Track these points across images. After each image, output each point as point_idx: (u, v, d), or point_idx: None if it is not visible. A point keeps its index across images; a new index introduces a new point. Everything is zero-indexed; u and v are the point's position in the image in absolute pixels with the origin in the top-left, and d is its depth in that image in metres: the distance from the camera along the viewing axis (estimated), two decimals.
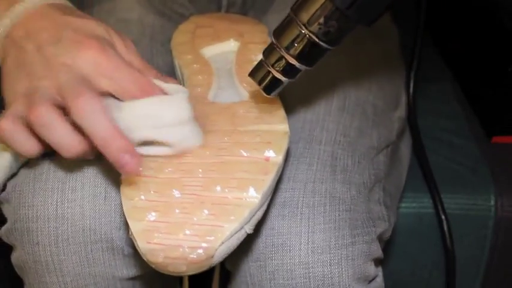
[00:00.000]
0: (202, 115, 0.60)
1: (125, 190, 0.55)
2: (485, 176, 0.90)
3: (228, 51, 0.70)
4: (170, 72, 0.73)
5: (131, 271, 0.63)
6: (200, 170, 0.55)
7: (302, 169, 0.61)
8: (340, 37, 0.54)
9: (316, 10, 0.52)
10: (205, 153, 0.56)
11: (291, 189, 0.60)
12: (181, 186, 0.54)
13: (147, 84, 0.55)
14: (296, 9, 0.54)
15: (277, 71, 0.56)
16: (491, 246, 0.90)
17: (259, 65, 0.57)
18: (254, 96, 0.62)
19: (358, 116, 0.68)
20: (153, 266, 0.52)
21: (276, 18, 0.62)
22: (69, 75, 0.53)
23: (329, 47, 0.54)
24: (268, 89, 0.57)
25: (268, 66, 0.56)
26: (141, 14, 0.77)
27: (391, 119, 0.74)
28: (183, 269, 0.51)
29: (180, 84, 0.68)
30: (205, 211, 0.52)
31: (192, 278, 0.81)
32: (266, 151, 0.56)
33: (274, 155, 0.56)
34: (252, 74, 0.58)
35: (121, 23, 0.76)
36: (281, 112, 0.60)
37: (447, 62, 1.10)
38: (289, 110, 0.63)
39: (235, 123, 0.59)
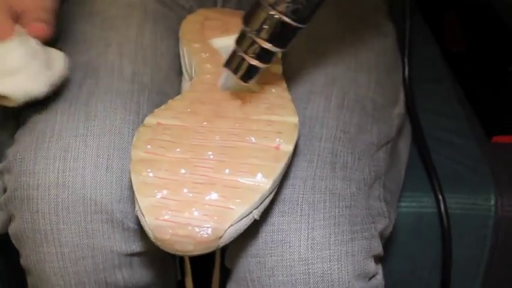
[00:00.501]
0: (213, 101, 0.61)
1: (134, 166, 0.55)
2: (485, 175, 0.90)
3: None
4: (174, 59, 0.74)
5: (130, 247, 0.63)
6: (211, 153, 0.55)
7: (302, 166, 0.61)
8: (310, 14, 0.54)
9: None
10: (216, 137, 0.57)
11: (291, 186, 0.60)
12: (192, 166, 0.54)
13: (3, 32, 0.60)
14: None
15: (251, 57, 0.55)
16: (491, 246, 0.90)
17: (233, 54, 0.57)
18: (264, 89, 0.63)
19: (358, 112, 0.68)
20: (159, 244, 0.52)
21: None
22: None
23: (300, 25, 0.54)
24: (245, 77, 0.57)
25: (242, 53, 0.56)
26: (143, 2, 0.78)
27: (391, 115, 0.74)
28: (190, 248, 0.51)
29: (187, 74, 0.69)
30: (216, 192, 0.53)
31: (192, 273, 0.81)
32: (277, 140, 0.56)
33: (284, 144, 0.56)
34: (227, 64, 0.58)
35: (124, 9, 0.76)
36: (291, 105, 0.61)
37: (447, 62, 1.10)
38: None
39: (246, 111, 0.59)
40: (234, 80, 0.60)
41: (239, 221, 0.52)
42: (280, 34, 0.54)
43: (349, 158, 0.64)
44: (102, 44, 0.71)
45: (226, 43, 0.70)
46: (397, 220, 0.86)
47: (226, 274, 0.66)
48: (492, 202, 0.88)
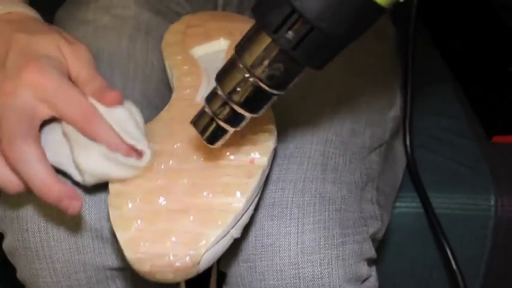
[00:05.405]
0: (188, 119, 0.60)
1: (112, 199, 0.55)
2: (485, 175, 0.90)
3: (218, 51, 0.70)
4: (165, 71, 0.73)
5: (122, 260, 0.63)
6: (185, 176, 0.55)
7: (292, 169, 0.61)
8: (287, 81, 0.50)
9: (261, 52, 0.48)
10: (191, 157, 0.57)
11: (281, 189, 0.60)
12: (167, 192, 0.54)
13: (86, 110, 0.54)
14: (239, 50, 0.49)
15: (220, 119, 0.51)
16: (491, 246, 0.90)
17: (202, 112, 0.53)
18: None
19: (351, 115, 0.68)
20: (141, 275, 0.52)
21: None
22: (9, 111, 0.53)
23: (275, 92, 0.49)
24: (211, 139, 0.53)
25: (211, 113, 0.51)
26: (136, 12, 0.78)
27: (385, 118, 0.74)
28: (170, 276, 0.51)
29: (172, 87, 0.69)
30: (191, 217, 0.52)
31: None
32: (252, 153, 0.56)
33: (259, 157, 0.56)
34: (193, 122, 0.53)
35: (116, 19, 0.76)
36: (268, 113, 0.60)
37: (447, 62, 1.10)
38: (282, 110, 0.63)
39: None
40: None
41: (216, 244, 0.52)
42: (254, 99, 0.50)
43: (341, 161, 0.63)
44: (93, 55, 0.71)
45: (206, 51, 0.70)
46: (397, 220, 0.87)
47: (223, 278, 0.66)
48: (492, 202, 0.88)
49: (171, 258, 0.51)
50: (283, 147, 0.63)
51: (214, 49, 0.70)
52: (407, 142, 0.86)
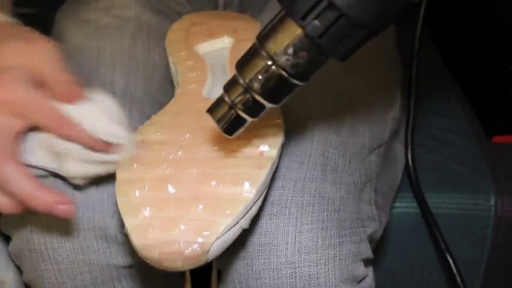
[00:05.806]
0: (196, 111, 0.61)
1: (119, 187, 0.55)
2: (485, 175, 0.90)
3: (222, 48, 0.71)
4: (167, 68, 0.74)
5: (127, 259, 0.63)
6: (194, 165, 0.55)
7: (293, 167, 0.62)
8: (309, 71, 0.49)
9: (285, 39, 0.47)
10: (200, 148, 0.57)
11: (281, 187, 0.60)
12: (176, 181, 0.54)
13: (55, 115, 0.55)
14: (262, 37, 0.48)
15: (239, 108, 0.50)
16: (491, 246, 0.90)
17: (219, 101, 0.52)
18: None
19: (351, 115, 0.68)
20: (149, 262, 0.52)
21: (271, 17, 0.62)
22: None
23: (297, 82, 0.49)
24: (229, 129, 0.52)
25: (229, 102, 0.51)
26: (137, 12, 0.78)
27: (385, 119, 0.74)
28: (179, 264, 0.51)
29: (176, 83, 0.68)
30: (200, 206, 0.53)
31: (192, 274, 0.82)
32: (261, 146, 0.56)
33: (268, 149, 0.56)
34: (210, 111, 0.52)
35: (118, 19, 0.77)
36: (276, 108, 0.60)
37: (447, 62, 1.10)
38: (282, 108, 0.62)
39: None
40: (217, 88, 0.59)
41: (225, 233, 0.52)
42: (275, 88, 0.49)
43: (340, 161, 0.64)
44: (95, 55, 0.71)
45: (210, 48, 0.71)
46: (397, 220, 0.87)
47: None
48: (492, 202, 0.88)
49: (181, 245, 0.51)
50: (283, 145, 0.63)
51: (218, 47, 0.71)
52: (408, 143, 0.86)
